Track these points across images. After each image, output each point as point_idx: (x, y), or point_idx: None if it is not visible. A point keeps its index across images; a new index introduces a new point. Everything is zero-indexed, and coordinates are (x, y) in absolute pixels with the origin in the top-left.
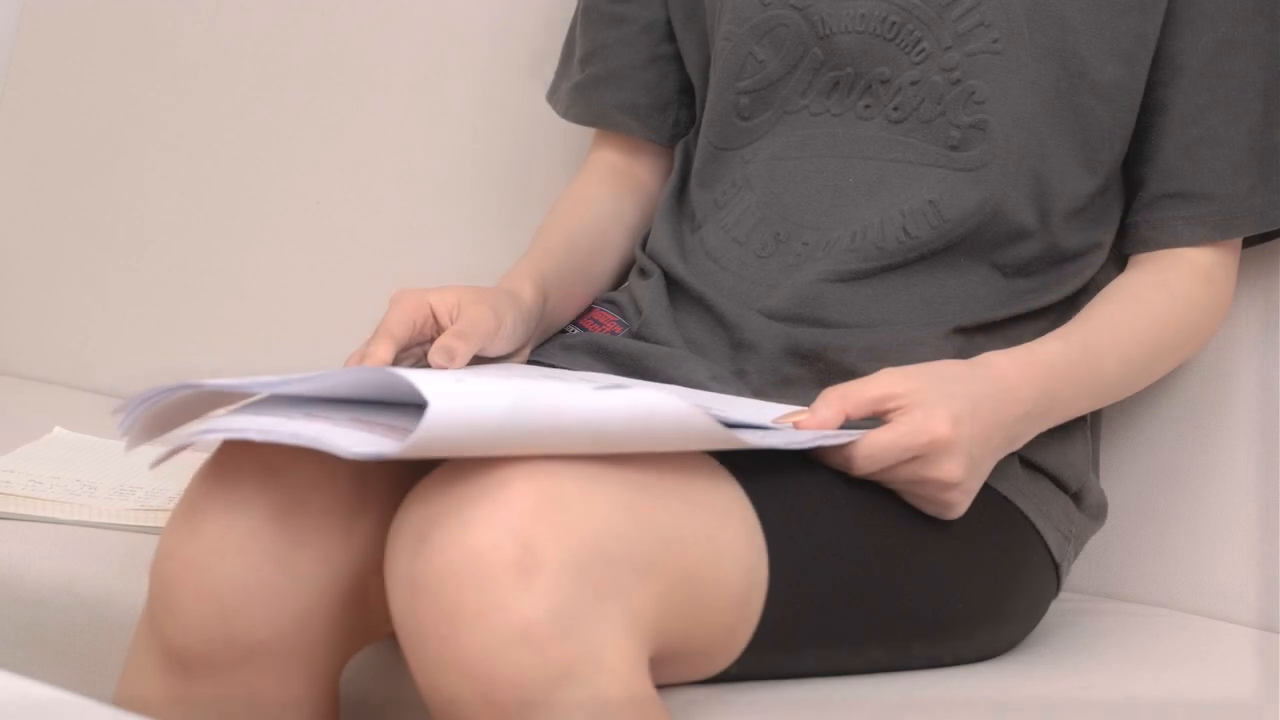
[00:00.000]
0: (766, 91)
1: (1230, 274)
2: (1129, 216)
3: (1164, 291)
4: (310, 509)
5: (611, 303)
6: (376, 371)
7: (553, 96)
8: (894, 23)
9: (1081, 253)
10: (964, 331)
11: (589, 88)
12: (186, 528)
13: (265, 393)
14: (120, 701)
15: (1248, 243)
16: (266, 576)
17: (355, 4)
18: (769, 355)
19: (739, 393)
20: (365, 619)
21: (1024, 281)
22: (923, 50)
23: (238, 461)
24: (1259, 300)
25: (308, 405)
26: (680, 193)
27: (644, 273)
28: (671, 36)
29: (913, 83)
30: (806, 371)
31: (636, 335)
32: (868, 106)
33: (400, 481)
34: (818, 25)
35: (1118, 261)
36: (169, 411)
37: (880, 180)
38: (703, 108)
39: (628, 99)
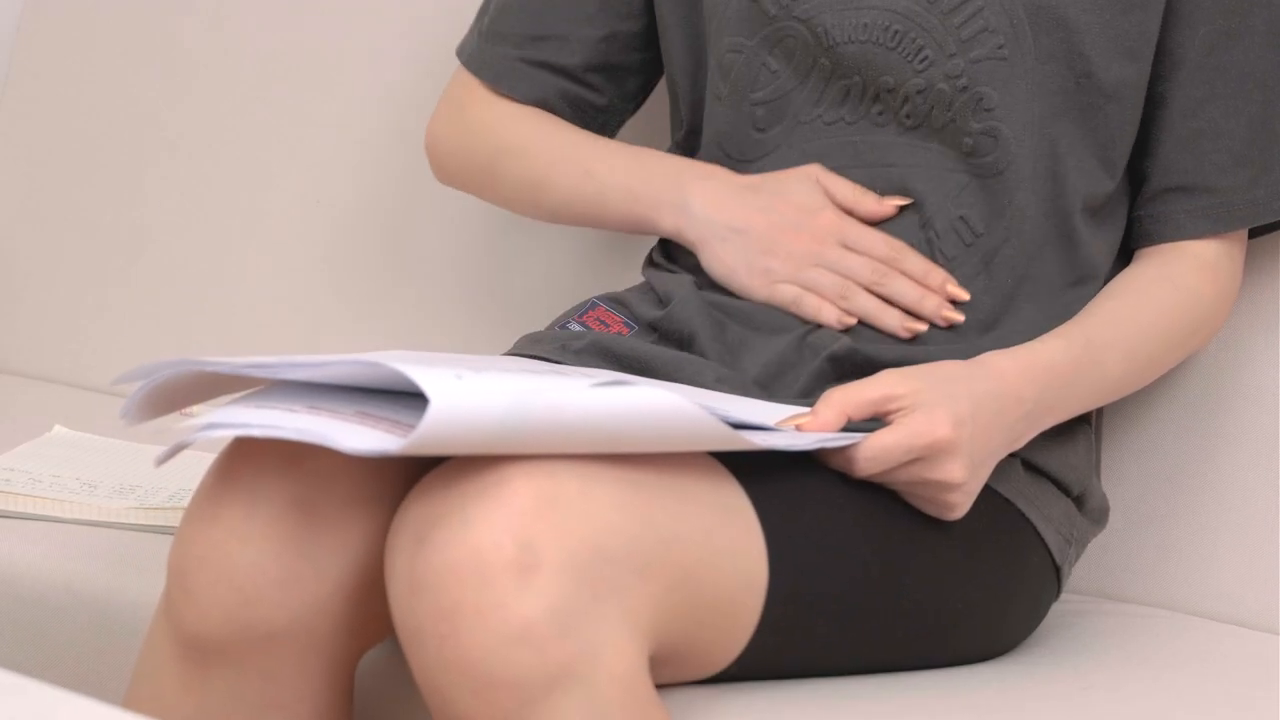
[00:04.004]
0: (780, 102)
1: (1235, 265)
2: (1132, 211)
3: (1167, 285)
4: (332, 497)
5: (619, 302)
6: (379, 365)
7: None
8: (896, 31)
9: (1111, 250)
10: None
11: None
12: (207, 515)
13: (268, 376)
14: (135, 694)
15: (1254, 233)
16: (288, 563)
17: (355, 4)
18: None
19: (746, 393)
20: (383, 609)
21: (1070, 290)
22: (926, 58)
23: (258, 449)
24: (1260, 303)
25: (312, 396)
26: None
27: (670, 271)
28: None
29: (918, 91)
30: (833, 371)
31: (657, 324)
32: (880, 113)
33: (419, 472)
34: (822, 36)
35: (1124, 257)
36: (171, 391)
37: (905, 189)
38: (690, 111)
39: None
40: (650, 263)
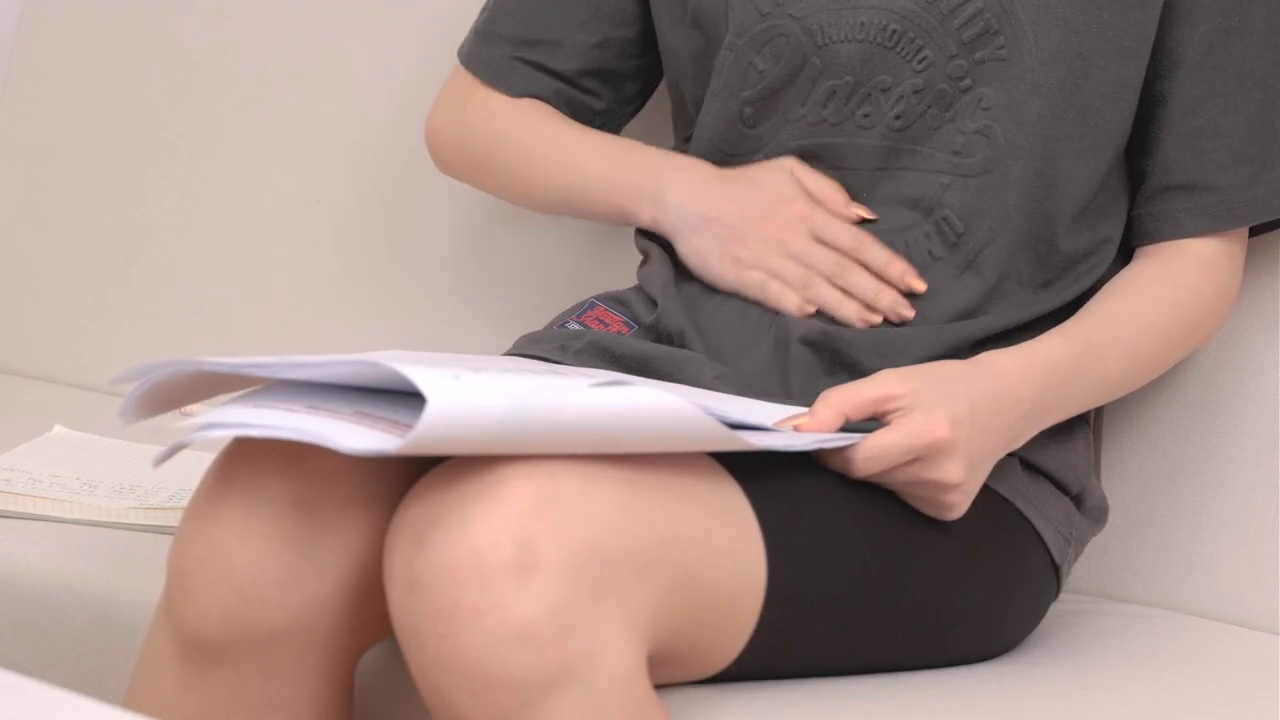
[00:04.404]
0: (769, 100)
1: (1236, 263)
2: (1133, 209)
3: (1167, 283)
4: (332, 497)
5: (618, 302)
6: (377, 364)
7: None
8: (894, 31)
9: (1091, 250)
10: (981, 344)
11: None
12: (207, 514)
13: (266, 375)
14: (135, 694)
15: (1254, 231)
16: (288, 563)
17: (355, 4)
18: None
19: (742, 391)
20: (383, 609)
21: (1041, 291)
22: (925, 58)
23: (258, 449)
24: (1260, 303)
25: (310, 395)
26: None
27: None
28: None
29: (915, 91)
30: (814, 357)
31: (653, 327)
32: (867, 115)
33: (419, 472)
34: (816, 35)
35: (1125, 256)
36: (169, 390)
37: (894, 191)
38: (696, 110)
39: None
40: (643, 264)
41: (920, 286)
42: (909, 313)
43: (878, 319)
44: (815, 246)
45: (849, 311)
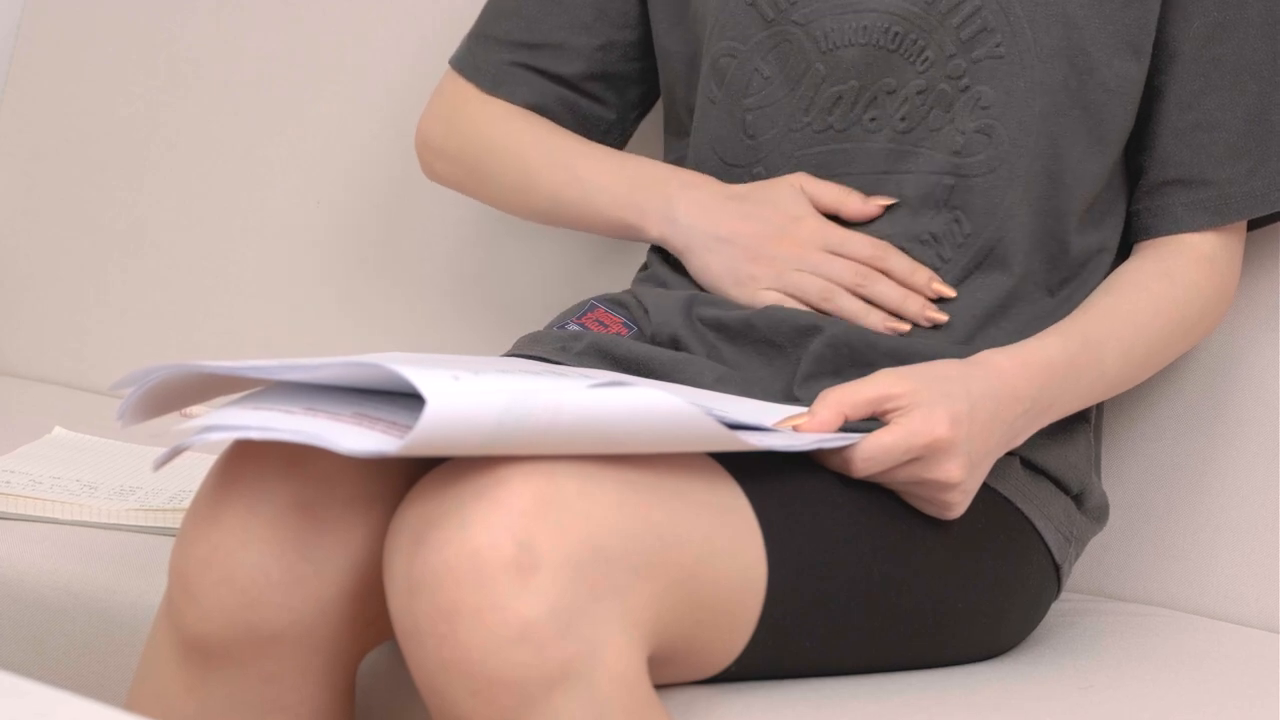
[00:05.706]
0: (771, 109)
1: (1234, 258)
2: (1130, 205)
3: (1166, 280)
4: (334, 498)
5: (618, 304)
6: (376, 366)
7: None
8: (896, 33)
9: (1099, 250)
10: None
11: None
12: (209, 517)
13: (264, 377)
14: (136, 695)
15: (1253, 225)
16: (290, 565)
17: (355, 4)
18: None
19: (748, 389)
20: (385, 610)
21: (1055, 293)
22: (927, 59)
23: (259, 451)
24: (1260, 300)
25: (309, 397)
26: None
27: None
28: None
29: (919, 92)
30: (830, 352)
31: (651, 336)
32: (874, 119)
33: (420, 473)
34: (820, 40)
35: (1124, 252)
36: (167, 393)
37: (897, 193)
38: (689, 116)
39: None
40: (640, 279)
41: (950, 292)
42: (941, 317)
43: (905, 326)
44: (833, 259)
45: (874, 320)
